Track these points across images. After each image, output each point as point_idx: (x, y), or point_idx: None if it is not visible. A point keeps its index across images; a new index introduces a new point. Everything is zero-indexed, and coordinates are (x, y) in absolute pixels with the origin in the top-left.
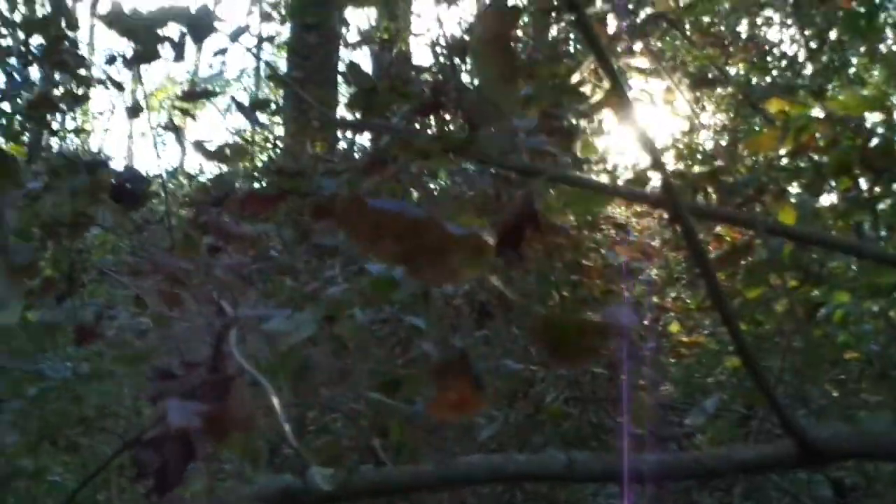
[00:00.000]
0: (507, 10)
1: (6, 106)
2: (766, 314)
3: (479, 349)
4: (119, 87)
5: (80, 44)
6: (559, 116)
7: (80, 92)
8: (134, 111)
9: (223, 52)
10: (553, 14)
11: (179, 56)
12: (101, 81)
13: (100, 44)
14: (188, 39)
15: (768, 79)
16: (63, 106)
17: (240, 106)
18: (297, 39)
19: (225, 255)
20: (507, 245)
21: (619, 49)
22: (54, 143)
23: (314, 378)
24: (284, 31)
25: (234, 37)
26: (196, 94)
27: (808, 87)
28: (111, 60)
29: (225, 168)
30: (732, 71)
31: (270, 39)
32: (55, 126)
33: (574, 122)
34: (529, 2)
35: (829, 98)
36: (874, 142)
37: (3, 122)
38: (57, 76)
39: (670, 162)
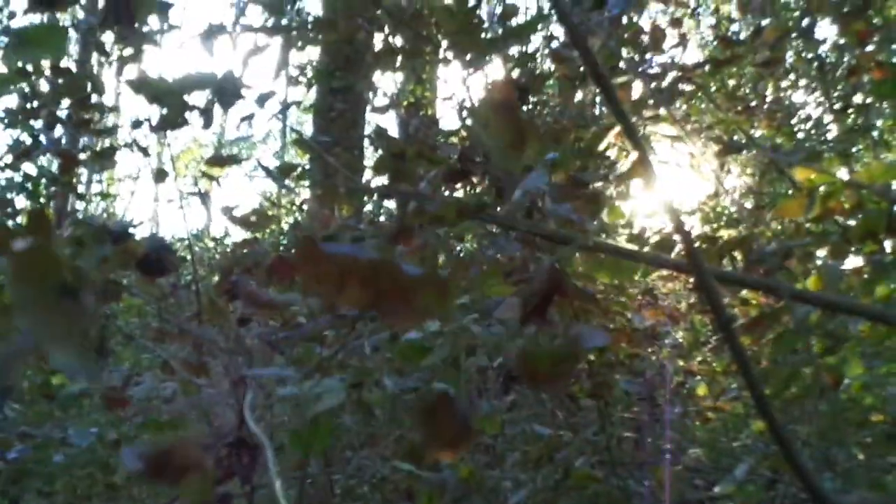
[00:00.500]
0: (522, 78)
1: (30, 169)
2: (793, 379)
3: (506, 414)
4: (145, 152)
5: (105, 107)
6: (585, 181)
7: (107, 146)
8: (160, 176)
9: (250, 118)
10: (579, 80)
11: (207, 123)
12: (127, 145)
13: (126, 108)
14: (215, 106)
15: (794, 142)
16: (90, 167)
17: (266, 171)
18: (324, 102)
19: (253, 324)
20: (535, 314)
21: (644, 114)
22: (80, 206)
23: (342, 444)
24: (311, 94)
25: (261, 102)
26: (222, 159)
27: (833, 149)
28: (137, 125)
29: (251, 234)
30: (757, 134)
31: (297, 104)
32: (81, 190)
33: (600, 186)
34: (556, 67)
35: (854, 160)
36: None
37: (29, 185)
38: (84, 140)
39: (697, 226)
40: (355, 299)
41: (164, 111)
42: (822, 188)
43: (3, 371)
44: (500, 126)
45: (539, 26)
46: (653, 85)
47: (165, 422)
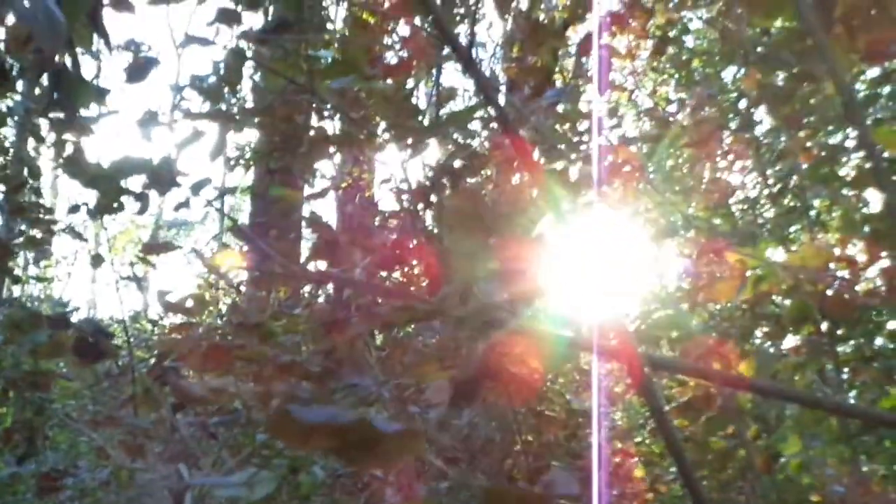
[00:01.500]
0: (457, 162)
1: None
2: (729, 461)
3: (443, 498)
4: (81, 238)
5: (42, 190)
6: (522, 268)
7: (41, 237)
8: (97, 261)
9: (185, 204)
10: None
11: (144, 209)
12: (64, 230)
13: (64, 190)
14: (151, 191)
15: (731, 223)
16: (26, 254)
17: (202, 259)
18: (261, 184)
19: (188, 409)
20: (463, 398)
21: (583, 197)
22: (17, 290)
23: None
24: (249, 176)
25: (196, 190)
26: (157, 246)
27: (770, 231)
28: (74, 210)
29: (187, 319)
30: (695, 214)
31: (232, 191)
32: (17, 272)
33: (536, 272)
34: (493, 152)
35: (790, 241)
36: (832, 291)
37: None
38: (22, 227)
39: (636, 307)
40: (325, 449)
41: (100, 195)
42: (753, 271)
43: None
44: (465, 235)
45: (475, 115)
46: (589, 169)
47: None
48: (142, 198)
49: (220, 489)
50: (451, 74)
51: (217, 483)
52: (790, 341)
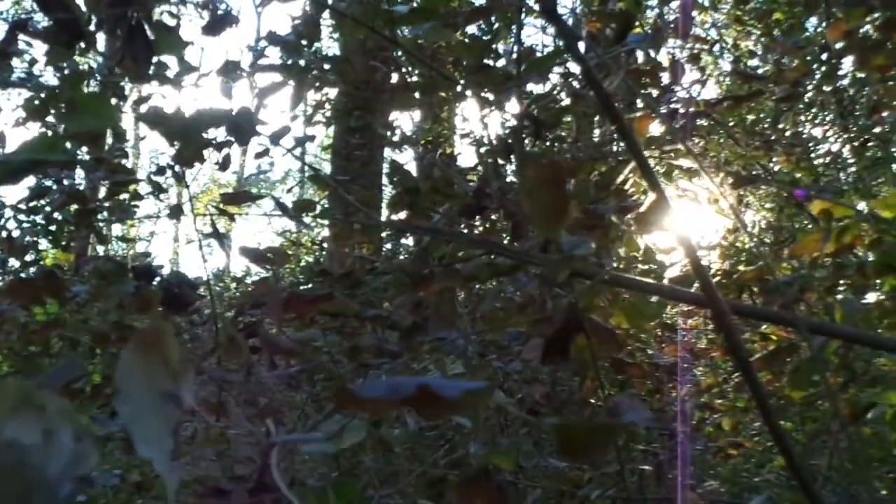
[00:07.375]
0: (537, 112)
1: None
2: (814, 413)
3: (526, 448)
4: (160, 189)
5: (126, 149)
6: (600, 214)
7: (127, 195)
8: (175, 212)
9: (265, 153)
10: (596, 115)
11: (226, 165)
12: (148, 193)
13: (146, 151)
14: (232, 145)
15: (813, 177)
16: (110, 214)
17: (282, 207)
18: (342, 141)
19: (269, 361)
20: (554, 351)
21: (662, 149)
22: (101, 250)
23: (363, 483)
24: (330, 133)
25: (275, 139)
26: (237, 196)
27: (853, 185)
28: (160, 172)
29: (268, 272)
30: (776, 168)
31: (311, 139)
32: (103, 232)
33: (616, 219)
34: (572, 103)
35: (873, 196)
36: None
37: (53, 229)
38: (104, 183)
39: (716, 261)
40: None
41: (181, 147)
42: (838, 222)
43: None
44: (545, 200)
45: (556, 62)
46: (671, 121)
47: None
48: (222, 148)
49: (306, 445)
50: (531, 38)
51: (303, 440)
52: (874, 295)
